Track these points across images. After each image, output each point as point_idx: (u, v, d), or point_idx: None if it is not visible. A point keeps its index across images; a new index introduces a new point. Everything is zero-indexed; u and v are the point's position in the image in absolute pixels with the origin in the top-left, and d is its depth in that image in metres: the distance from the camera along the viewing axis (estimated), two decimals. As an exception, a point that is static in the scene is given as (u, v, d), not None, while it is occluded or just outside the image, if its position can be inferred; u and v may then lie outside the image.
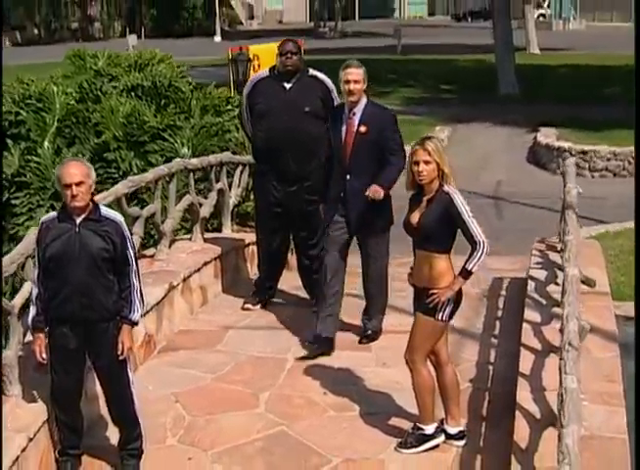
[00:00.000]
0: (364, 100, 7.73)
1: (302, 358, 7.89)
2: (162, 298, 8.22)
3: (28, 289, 6.45)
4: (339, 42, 52.74)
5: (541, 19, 61.68)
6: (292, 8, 74.04)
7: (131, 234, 7.89)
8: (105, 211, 6.13)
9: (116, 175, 10.80)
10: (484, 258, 6.09)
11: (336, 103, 8.76)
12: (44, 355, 6.08)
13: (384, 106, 8.47)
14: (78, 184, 5.84)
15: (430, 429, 6.44)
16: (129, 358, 6.29)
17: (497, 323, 8.58)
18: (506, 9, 28.68)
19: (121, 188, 8.06)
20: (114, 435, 6.53)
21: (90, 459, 6.52)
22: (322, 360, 7.83)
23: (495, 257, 10.09)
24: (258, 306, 9.08)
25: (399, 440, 6.53)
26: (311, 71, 8.79)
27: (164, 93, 12.04)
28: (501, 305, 9.14)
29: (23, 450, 6.00)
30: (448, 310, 6.20)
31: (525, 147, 22.04)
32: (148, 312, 7.90)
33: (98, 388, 6.59)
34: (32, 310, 6.14)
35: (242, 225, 11.22)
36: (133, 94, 11.99)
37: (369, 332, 8.23)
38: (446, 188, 6.15)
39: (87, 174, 5.93)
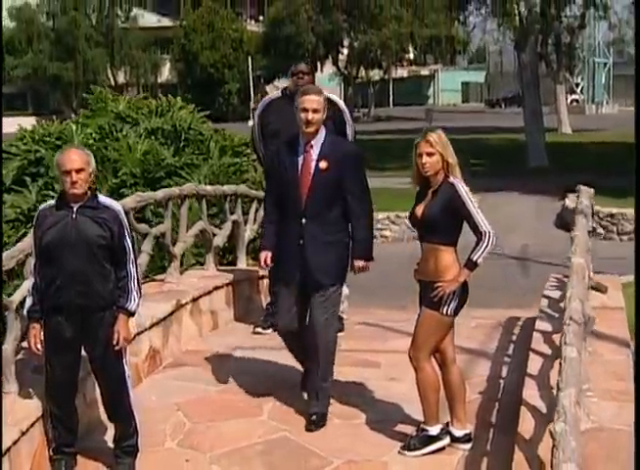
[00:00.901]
0: (323, 131, 6.60)
1: None
2: (170, 314, 8.13)
3: (27, 286, 6.36)
4: (371, 125, 53.21)
5: (574, 104, 62.08)
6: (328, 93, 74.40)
7: (140, 252, 7.88)
8: (103, 198, 6.08)
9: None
10: (490, 248, 5.96)
11: (349, 125, 8.73)
12: (39, 346, 5.98)
13: (346, 139, 7.94)
14: (78, 171, 5.80)
15: (434, 430, 6.23)
16: (125, 350, 6.16)
17: (511, 345, 8.38)
18: (535, 82, 28.79)
19: (130, 202, 8.02)
20: (112, 439, 6.37)
21: (85, 460, 6.37)
22: (329, 375, 7.64)
23: (519, 309, 10.56)
24: (269, 330, 8.92)
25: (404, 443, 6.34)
26: (324, 93, 8.77)
27: (184, 136, 12.08)
28: (516, 331, 8.95)
29: (15, 443, 5.88)
30: (453, 305, 6.05)
31: (553, 213, 21.93)
32: (153, 326, 7.82)
33: (97, 393, 6.47)
34: (29, 301, 6.05)
35: (257, 260, 11.10)
36: (153, 137, 12.03)
37: (315, 417, 6.75)
38: (451, 179, 6.05)
39: (87, 162, 5.90)
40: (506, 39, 34.32)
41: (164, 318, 8.02)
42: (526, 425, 5.75)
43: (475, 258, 5.95)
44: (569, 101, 50.71)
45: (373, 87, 66.50)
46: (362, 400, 7.16)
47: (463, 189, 6.01)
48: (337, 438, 6.56)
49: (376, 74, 64.29)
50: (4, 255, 6.45)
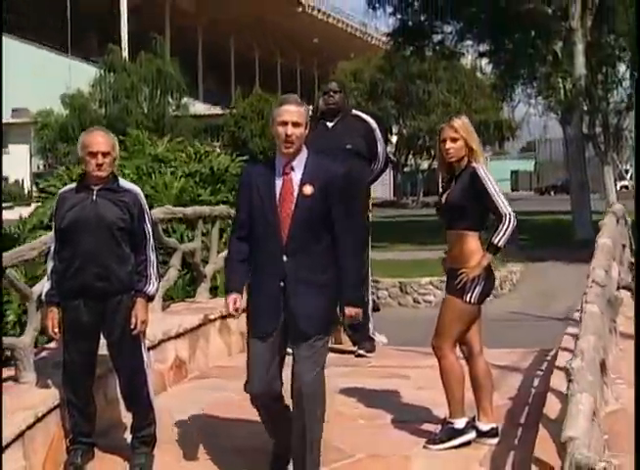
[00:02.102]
0: (305, 151, 5.36)
1: None
2: (197, 327, 8.07)
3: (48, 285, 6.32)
4: (419, 210, 53.34)
5: (624, 190, 61.83)
6: (377, 183, 75.22)
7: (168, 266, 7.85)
8: (123, 182, 6.07)
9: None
10: (511, 230, 5.85)
11: (380, 144, 8.70)
12: (56, 330, 5.92)
13: (336, 161, 7.15)
14: (105, 154, 5.81)
15: (460, 423, 6.05)
16: (144, 336, 6.08)
17: (544, 363, 8.18)
18: (581, 155, 28.73)
19: (157, 212, 8.02)
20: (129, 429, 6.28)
21: (102, 454, 6.26)
22: (356, 384, 7.50)
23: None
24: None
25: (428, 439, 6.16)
26: (354, 111, 8.80)
27: (222, 178, 12.14)
28: (552, 353, 8.74)
29: (30, 428, 5.79)
30: (477, 291, 5.92)
31: (600, 281, 21.66)
32: (180, 336, 7.74)
33: (118, 391, 6.39)
34: (47, 285, 6.02)
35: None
36: (190, 178, 12.09)
37: None
38: (474, 164, 5.98)
39: (113, 146, 5.91)
40: (552, 122, 34.44)
41: (191, 330, 7.95)
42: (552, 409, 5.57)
43: (496, 241, 5.84)
44: (618, 187, 50.50)
45: (422, 174, 66.84)
46: (388, 404, 6.99)
47: (484, 172, 5.93)
48: (359, 435, 6.41)
49: (425, 161, 64.65)
50: (25, 247, 6.46)
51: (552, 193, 74.40)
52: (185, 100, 56.70)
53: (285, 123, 5.21)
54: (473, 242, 5.93)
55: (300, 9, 74.53)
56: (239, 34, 72.02)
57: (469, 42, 30.75)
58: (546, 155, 79.83)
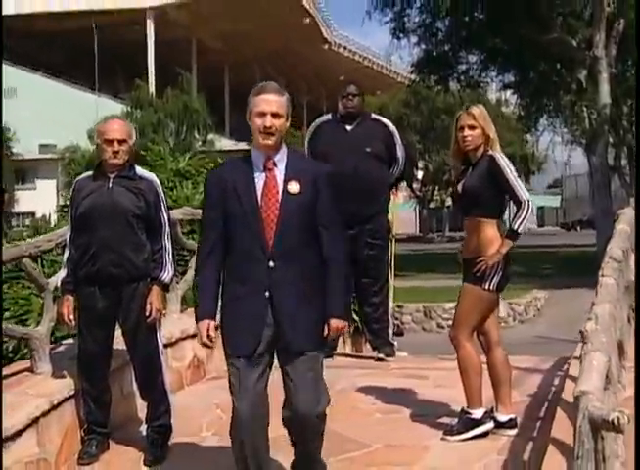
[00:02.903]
0: (284, 147, 4.74)
1: None
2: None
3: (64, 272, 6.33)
4: (446, 244, 53.22)
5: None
6: (402, 219, 75.32)
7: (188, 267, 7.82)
8: (140, 170, 6.07)
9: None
10: (530, 216, 5.80)
11: (399, 147, 8.65)
12: (71, 317, 5.91)
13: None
14: (121, 142, 5.83)
15: (477, 413, 5.98)
16: (159, 324, 6.06)
17: (565, 364, 8.07)
18: (605, 183, 28.59)
19: (177, 213, 8.01)
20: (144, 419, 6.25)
21: (118, 445, 6.23)
22: (374, 383, 7.44)
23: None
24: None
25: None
26: (374, 115, 8.78)
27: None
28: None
29: (44, 416, 5.77)
30: (496, 280, 5.86)
31: (624, 306, 21.55)
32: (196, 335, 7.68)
33: (134, 386, 6.37)
34: (62, 272, 6.03)
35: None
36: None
37: None
38: (491, 152, 5.94)
39: (130, 134, 5.93)
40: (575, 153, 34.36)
41: (208, 331, 7.88)
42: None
43: (515, 227, 5.79)
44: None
45: (448, 210, 66.78)
46: (405, 400, 6.93)
47: (502, 159, 5.90)
48: (376, 427, 6.36)
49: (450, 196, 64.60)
50: (41, 238, 6.47)
51: (578, 228, 74.10)
52: (211, 136, 57.16)
53: (263, 114, 4.57)
54: (490, 229, 5.88)
55: (327, 46, 75.09)
56: (265, 71, 72.39)
57: (493, 73, 30.76)
58: (572, 191, 79.58)
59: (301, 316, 4.61)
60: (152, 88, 53.54)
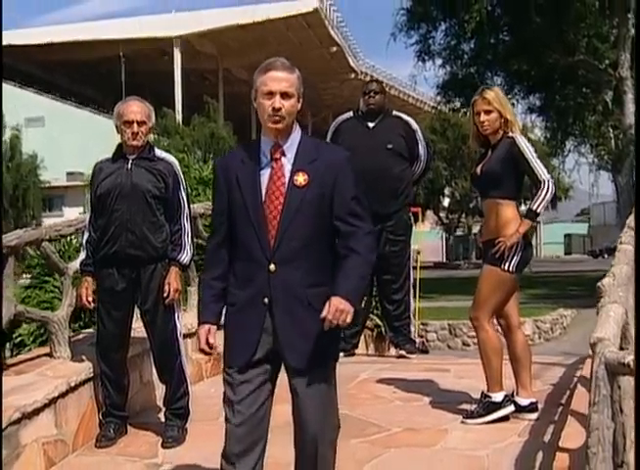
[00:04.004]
0: (298, 131, 4.09)
1: None
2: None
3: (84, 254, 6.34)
4: (470, 271, 53.03)
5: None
6: (429, 247, 75.20)
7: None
8: (159, 151, 6.08)
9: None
10: (550, 196, 5.76)
11: (421, 144, 8.61)
12: (90, 299, 5.90)
13: (329, 143, 5.78)
14: (140, 123, 5.83)
15: (498, 396, 5.92)
16: (178, 305, 6.05)
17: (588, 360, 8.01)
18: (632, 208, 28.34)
19: (198, 208, 8.02)
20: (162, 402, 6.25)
21: (136, 430, 6.20)
22: (396, 375, 7.39)
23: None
24: (341, 354, 8.63)
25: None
26: (396, 112, 8.76)
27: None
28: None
29: (62, 396, 5.76)
30: (515, 261, 5.82)
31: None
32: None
33: (155, 376, 6.36)
34: (82, 254, 6.03)
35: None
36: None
37: None
38: (510, 134, 5.92)
39: (149, 116, 5.93)
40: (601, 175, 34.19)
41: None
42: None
43: (535, 208, 5.76)
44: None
45: (474, 237, 66.55)
46: (426, 389, 6.91)
47: (522, 140, 5.87)
48: (397, 413, 6.32)
49: (477, 223, 64.39)
50: (61, 222, 6.49)
51: (605, 255, 73.59)
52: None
53: (271, 94, 3.96)
54: (509, 210, 5.85)
55: (353, 75, 75.27)
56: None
57: (518, 96, 30.69)
58: (599, 218, 79.23)
59: (305, 327, 3.93)
60: (179, 116, 53.78)
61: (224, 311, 4.16)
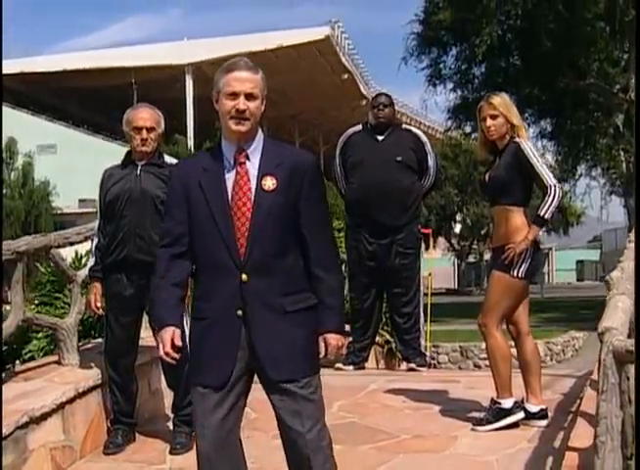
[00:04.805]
0: (261, 134, 3.90)
1: None
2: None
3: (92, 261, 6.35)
4: (482, 297, 52.90)
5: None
6: (440, 273, 74.96)
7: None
8: (168, 158, 6.10)
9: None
10: (557, 202, 5.75)
11: (430, 157, 8.62)
12: (99, 304, 5.91)
13: (293, 146, 5.66)
14: (149, 130, 5.86)
15: (507, 403, 5.90)
16: (186, 310, 6.03)
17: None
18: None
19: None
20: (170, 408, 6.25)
21: (145, 438, 6.19)
22: (405, 386, 7.35)
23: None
24: (351, 367, 8.62)
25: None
26: (405, 126, 8.78)
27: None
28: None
29: (70, 402, 5.77)
30: (524, 267, 5.81)
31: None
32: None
33: (163, 383, 6.36)
34: (91, 261, 6.05)
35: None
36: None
37: None
38: (516, 139, 5.92)
39: (158, 122, 5.96)
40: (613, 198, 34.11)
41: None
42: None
43: (542, 214, 5.75)
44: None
45: (486, 263, 66.42)
46: (436, 398, 6.86)
47: (527, 146, 5.87)
48: (406, 421, 6.29)
49: (488, 249, 64.29)
50: (71, 230, 6.50)
51: (619, 282, 73.41)
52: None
53: (235, 95, 3.76)
54: (518, 217, 5.84)
55: (365, 102, 75.41)
56: (303, 127, 72.97)
57: (529, 120, 30.70)
58: (611, 244, 78.92)
59: (283, 338, 3.72)
60: (190, 142, 53.95)
61: (188, 327, 4.04)
